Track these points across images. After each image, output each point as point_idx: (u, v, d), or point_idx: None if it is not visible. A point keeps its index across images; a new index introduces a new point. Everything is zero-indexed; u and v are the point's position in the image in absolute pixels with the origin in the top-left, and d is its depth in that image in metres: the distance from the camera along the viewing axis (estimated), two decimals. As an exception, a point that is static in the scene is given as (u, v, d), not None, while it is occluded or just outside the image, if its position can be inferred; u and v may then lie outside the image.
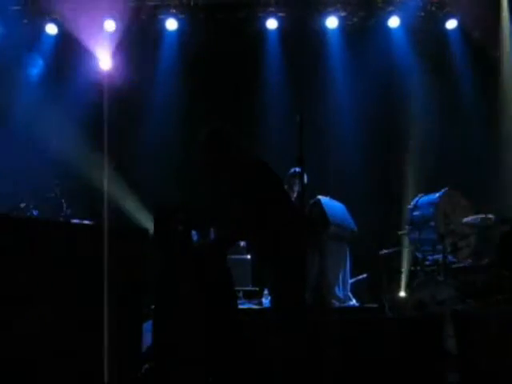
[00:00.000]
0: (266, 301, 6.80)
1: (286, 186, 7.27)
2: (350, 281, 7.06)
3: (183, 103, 9.15)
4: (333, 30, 9.26)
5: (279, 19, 9.20)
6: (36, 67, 9.34)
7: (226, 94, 9.09)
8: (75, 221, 6.04)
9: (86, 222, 5.68)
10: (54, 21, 9.32)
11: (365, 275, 7.37)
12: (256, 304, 6.87)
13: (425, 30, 9.18)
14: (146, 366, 4.20)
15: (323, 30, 9.29)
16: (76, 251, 4.07)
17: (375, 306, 6.58)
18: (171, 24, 9.26)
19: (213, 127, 4.28)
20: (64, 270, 3.98)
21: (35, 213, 6.73)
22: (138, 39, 9.30)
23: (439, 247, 6.69)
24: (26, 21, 9.28)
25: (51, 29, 9.34)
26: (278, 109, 8.89)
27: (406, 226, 7.28)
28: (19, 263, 3.86)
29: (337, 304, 6.66)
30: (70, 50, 9.24)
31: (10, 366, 3.72)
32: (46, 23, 9.32)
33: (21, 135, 8.87)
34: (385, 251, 7.31)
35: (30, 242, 3.94)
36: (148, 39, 9.40)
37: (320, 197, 6.82)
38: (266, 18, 9.21)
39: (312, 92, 8.96)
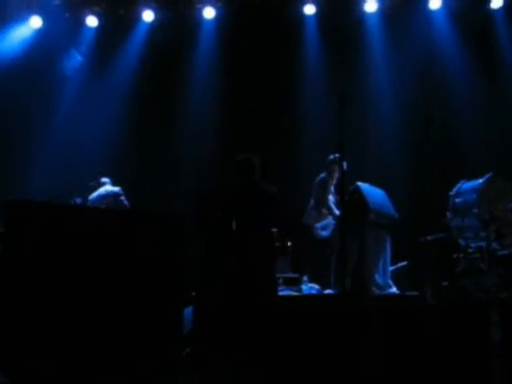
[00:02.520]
0: (305, 287, 6.80)
1: (325, 173, 7.27)
2: (391, 268, 6.99)
3: (221, 91, 9.19)
4: (372, 14, 9.12)
5: (317, 4, 9.12)
6: (75, 62, 9.51)
7: (265, 81, 9.08)
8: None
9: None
10: (95, 13, 9.45)
11: (405, 263, 7.28)
12: (296, 291, 6.87)
13: (467, 10, 8.92)
14: (187, 350, 4.25)
15: (362, 14, 9.15)
16: (118, 237, 4.15)
17: (416, 293, 6.49)
18: (208, 13, 9.29)
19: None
20: (109, 255, 4.07)
21: (78, 200, 6.85)
22: (177, 28, 9.36)
23: (483, 234, 6.54)
24: (67, 14, 9.45)
25: (92, 21, 9.48)
26: (318, 95, 8.84)
27: (448, 213, 7.14)
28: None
29: (377, 291, 6.59)
30: (110, 41, 9.40)
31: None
32: (86, 16, 9.47)
33: (63, 126, 9.08)
34: (426, 238, 7.19)
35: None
36: (186, 28, 9.44)
37: (360, 183, 6.76)
38: (303, 4, 9.14)
39: (351, 78, 8.86)
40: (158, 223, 4.39)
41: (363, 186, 6.76)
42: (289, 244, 7.39)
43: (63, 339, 3.92)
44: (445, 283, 6.70)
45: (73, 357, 3.89)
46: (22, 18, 9.40)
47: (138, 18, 9.41)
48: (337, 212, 7.04)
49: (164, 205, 8.28)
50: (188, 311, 4.36)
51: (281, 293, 6.18)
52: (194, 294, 4.46)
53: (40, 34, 9.48)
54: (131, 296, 4.09)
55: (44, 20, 9.43)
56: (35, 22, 9.42)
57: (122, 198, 7.18)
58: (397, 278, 7.02)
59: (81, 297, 4.00)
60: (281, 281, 6.78)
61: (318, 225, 7.18)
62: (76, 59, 9.55)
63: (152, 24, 9.41)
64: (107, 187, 7.25)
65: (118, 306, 4.06)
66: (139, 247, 4.11)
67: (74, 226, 4.12)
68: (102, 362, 3.91)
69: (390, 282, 6.86)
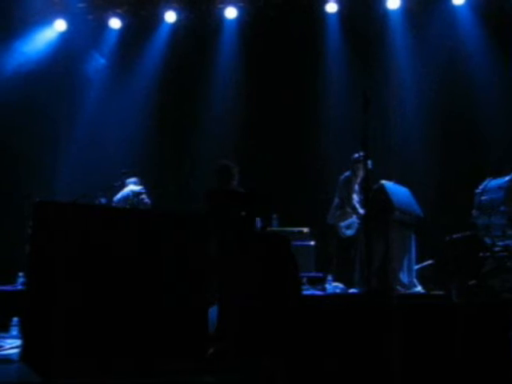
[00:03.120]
0: (329, 287, 6.78)
1: (349, 172, 7.24)
2: (416, 267, 6.94)
3: (244, 91, 9.21)
4: (394, 11, 9.06)
5: (339, 2, 9.09)
6: (98, 64, 9.61)
7: (287, 80, 9.07)
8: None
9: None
10: (117, 15, 9.54)
11: (431, 261, 7.21)
12: (320, 290, 6.86)
13: (492, 5, 8.80)
14: (211, 349, 4.27)
15: (384, 11, 9.09)
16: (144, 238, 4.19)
17: (442, 293, 6.43)
18: (230, 12, 9.31)
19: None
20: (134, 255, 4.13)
21: (103, 200, 6.92)
22: (199, 29, 9.40)
23: (510, 232, 6.46)
24: (90, 17, 9.55)
25: (114, 23, 9.57)
26: (340, 93, 8.81)
27: (474, 211, 7.06)
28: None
29: (402, 290, 6.55)
30: (132, 43, 9.48)
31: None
32: (109, 18, 9.56)
33: (87, 127, 9.19)
34: (452, 237, 7.12)
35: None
36: (208, 28, 9.48)
37: (384, 181, 6.71)
38: (325, 2, 9.11)
39: (374, 76, 8.81)
40: (182, 223, 4.42)
41: (387, 184, 6.72)
42: None
43: (91, 338, 3.97)
44: (471, 282, 6.62)
45: (100, 356, 3.93)
46: (46, 21, 9.53)
47: (160, 18, 9.48)
48: (361, 211, 7.02)
49: (187, 204, 8.32)
50: (213, 311, 4.39)
51: (305, 292, 6.17)
52: (218, 293, 4.49)
53: (64, 36, 9.59)
54: (157, 296, 4.13)
55: (68, 23, 9.55)
56: (60, 25, 9.54)
57: (144, 196, 7.25)
58: (422, 277, 6.96)
59: (106, 296, 4.04)
60: (305, 280, 6.78)
61: (343, 224, 7.16)
62: (99, 61, 9.65)
63: (174, 25, 9.46)
64: (131, 187, 7.32)
65: (144, 305, 4.09)
66: (164, 247, 4.15)
67: (98, 225, 4.17)
68: (130, 361, 3.94)
69: (415, 281, 6.81)
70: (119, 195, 7.28)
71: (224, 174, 6.00)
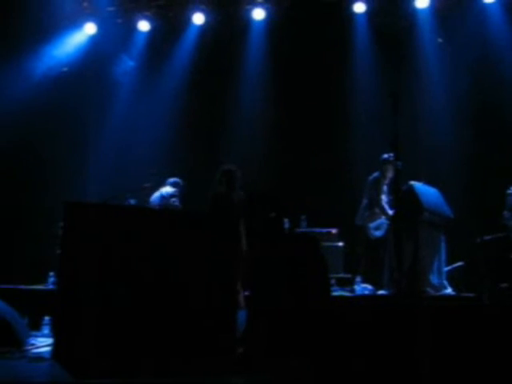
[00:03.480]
0: (358, 288, 6.74)
1: (378, 172, 7.19)
2: (446, 269, 6.86)
3: (272, 92, 9.21)
4: (423, 10, 8.96)
5: (367, 2, 9.03)
6: (127, 66, 9.71)
7: (316, 80, 9.04)
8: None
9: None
10: (146, 17, 9.63)
11: (461, 263, 7.12)
12: (349, 291, 6.83)
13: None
14: (240, 350, 4.27)
15: (413, 9, 9.00)
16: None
17: (472, 295, 6.34)
18: (258, 14, 9.32)
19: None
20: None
21: (132, 201, 6.98)
22: (227, 30, 9.43)
23: (542, 234, 6.35)
24: (119, 20, 9.65)
25: (143, 26, 9.66)
26: (369, 93, 8.75)
27: (506, 212, 6.95)
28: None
29: (432, 292, 6.48)
30: (161, 45, 9.55)
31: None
32: (137, 21, 9.65)
33: (117, 129, 9.29)
34: (483, 238, 7.01)
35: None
36: (236, 30, 9.51)
37: (413, 182, 6.65)
38: (353, 2, 9.07)
39: (403, 75, 8.73)
40: (212, 224, 4.44)
41: (417, 185, 6.66)
42: None
43: (121, 338, 4.01)
44: (502, 285, 6.52)
45: (128, 356, 3.97)
46: (76, 24, 9.66)
47: (188, 20, 9.53)
48: (390, 212, 6.96)
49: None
50: (242, 312, 4.39)
51: (334, 293, 6.15)
52: (247, 294, 4.50)
53: (93, 40, 9.71)
54: (186, 296, 4.15)
55: (98, 26, 9.66)
56: (89, 28, 9.66)
57: (175, 199, 7.30)
58: (452, 278, 6.88)
59: (136, 296, 4.07)
60: (333, 281, 6.75)
61: (371, 225, 7.12)
62: (128, 64, 9.75)
63: (202, 27, 9.51)
64: (167, 188, 7.38)
65: (172, 306, 4.12)
66: (194, 248, 4.17)
67: (128, 226, 4.20)
68: (158, 361, 3.97)
69: (446, 282, 6.73)
70: (155, 197, 7.34)
71: (231, 178, 6.22)
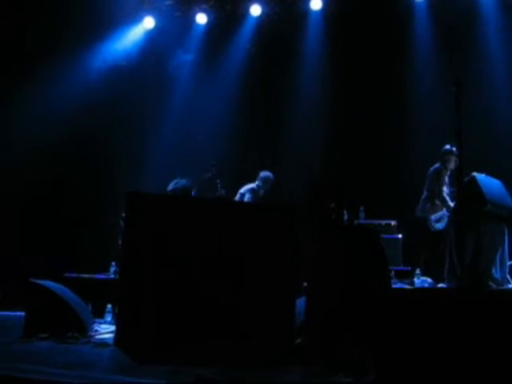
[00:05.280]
0: (418, 281, 6.64)
1: (439, 163, 7.05)
2: (509, 262, 6.67)
3: (330, 82, 9.13)
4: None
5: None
6: (185, 59, 9.82)
7: (375, 71, 8.90)
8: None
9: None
10: (203, 10, 9.71)
11: (526, 257, 6.91)
12: (408, 284, 6.73)
13: None
14: (299, 340, 4.27)
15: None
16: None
17: (537, 289, 6.15)
18: (315, 4, 9.25)
19: None
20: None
21: (192, 192, 7.06)
22: (284, 21, 9.41)
23: None
24: (177, 13, 9.77)
25: (201, 18, 9.74)
26: (430, 82, 8.56)
27: None
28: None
29: (494, 286, 6.32)
30: (219, 37, 9.62)
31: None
32: (195, 14, 9.74)
33: (176, 121, 9.42)
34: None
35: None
36: (293, 21, 9.47)
37: (476, 174, 6.48)
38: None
39: (465, 64, 8.49)
40: (271, 214, 4.46)
41: (479, 176, 6.49)
42: None
43: (180, 326, 4.08)
44: None
45: (187, 345, 4.03)
46: (136, 19, 9.84)
47: (245, 12, 9.56)
48: (451, 204, 6.83)
49: (275, 196, 8.39)
50: (300, 302, 4.39)
51: (393, 286, 6.07)
52: (305, 284, 4.49)
53: (152, 33, 9.87)
54: (244, 286, 4.18)
55: (156, 20, 9.81)
56: (148, 22, 9.82)
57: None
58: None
59: (195, 286, 4.13)
60: (393, 274, 6.67)
61: (433, 217, 6.99)
62: (186, 57, 9.86)
63: (259, 18, 9.51)
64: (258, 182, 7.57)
65: (231, 296, 4.15)
66: (253, 238, 4.20)
67: (188, 217, 4.26)
68: (216, 350, 4.01)
69: (509, 277, 6.56)
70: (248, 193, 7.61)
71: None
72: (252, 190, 7.76)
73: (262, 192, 7.83)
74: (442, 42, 8.82)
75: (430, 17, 9.00)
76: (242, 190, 7.77)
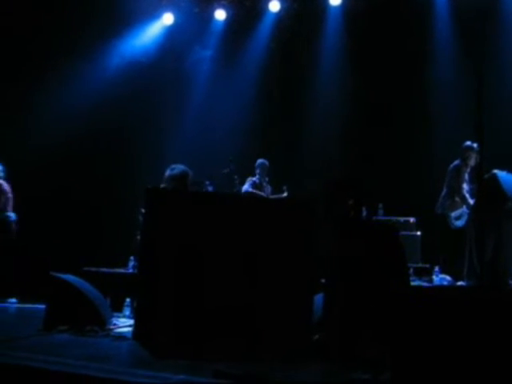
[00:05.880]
0: (436, 278, 6.59)
1: (459, 160, 6.98)
2: (530, 261, 6.58)
3: (349, 78, 9.08)
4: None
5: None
6: (204, 55, 9.84)
7: (395, 66, 8.82)
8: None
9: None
10: (222, 6, 9.71)
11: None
12: (427, 281, 6.69)
13: None
14: (316, 336, 4.26)
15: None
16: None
17: (558, 288, 6.06)
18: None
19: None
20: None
21: (210, 188, 7.09)
22: (303, 17, 9.38)
23: None
24: (196, 9, 9.79)
25: (220, 14, 9.75)
26: (450, 76, 8.46)
27: None
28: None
29: (514, 284, 6.25)
30: (237, 33, 9.62)
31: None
32: (214, 10, 9.75)
33: (195, 116, 9.45)
34: None
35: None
36: (312, 16, 9.43)
37: (496, 171, 6.41)
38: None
39: (487, 58, 8.36)
40: (290, 209, 4.45)
41: (500, 173, 6.42)
42: None
43: (198, 322, 4.09)
44: None
45: (206, 340, 4.04)
46: (155, 15, 9.88)
47: (264, 8, 9.54)
48: (471, 201, 6.75)
49: (294, 192, 8.39)
50: (318, 298, 4.38)
51: (411, 283, 6.03)
52: (323, 281, 4.48)
53: (171, 29, 9.90)
54: (262, 281, 4.18)
55: (175, 16, 9.84)
56: (167, 18, 9.85)
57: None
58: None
59: (213, 281, 4.13)
60: (411, 271, 6.63)
61: (453, 214, 6.91)
62: (205, 53, 9.89)
63: (278, 14, 9.49)
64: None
65: (249, 291, 4.15)
66: (271, 233, 4.19)
67: (205, 212, 4.27)
68: (234, 345, 4.02)
69: (529, 275, 6.47)
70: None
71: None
72: (251, 182, 8.12)
73: (262, 181, 8.21)
74: (463, 36, 8.71)
75: (450, 10, 8.89)
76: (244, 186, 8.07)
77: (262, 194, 8.06)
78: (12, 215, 7.41)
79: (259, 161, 8.31)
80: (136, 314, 4.89)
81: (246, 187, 8.05)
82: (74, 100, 8.76)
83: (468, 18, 8.67)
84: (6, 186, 7.49)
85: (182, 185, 5.46)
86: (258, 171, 8.27)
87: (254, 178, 8.25)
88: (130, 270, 7.28)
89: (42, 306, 5.24)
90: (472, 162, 6.85)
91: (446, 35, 8.87)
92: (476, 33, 8.55)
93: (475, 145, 6.75)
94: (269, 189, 8.33)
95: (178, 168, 5.62)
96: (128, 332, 4.81)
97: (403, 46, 8.85)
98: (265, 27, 9.59)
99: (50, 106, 8.72)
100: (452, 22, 8.87)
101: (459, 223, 6.84)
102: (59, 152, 8.72)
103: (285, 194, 8.12)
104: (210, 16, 9.81)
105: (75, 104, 8.72)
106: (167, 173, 5.62)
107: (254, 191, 8.00)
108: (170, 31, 9.91)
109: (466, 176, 6.98)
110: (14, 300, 6.98)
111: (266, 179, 8.34)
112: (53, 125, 8.56)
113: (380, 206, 7.85)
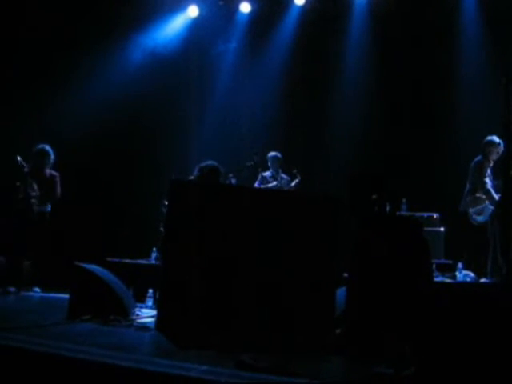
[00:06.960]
0: (459, 275, 6.55)
1: (481, 156, 6.89)
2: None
3: (374, 72, 9.02)
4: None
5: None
6: (229, 48, 9.84)
7: (420, 62, 8.73)
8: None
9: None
10: (248, -1, 9.71)
11: None
12: (450, 278, 6.64)
13: None
14: (339, 330, 4.26)
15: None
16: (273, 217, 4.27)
17: None
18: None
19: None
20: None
21: (233, 181, 7.11)
22: (328, 11, 9.33)
23: None
24: (221, 2, 9.79)
25: (245, 7, 9.74)
26: (477, 72, 8.34)
27: None
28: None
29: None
30: (262, 26, 9.60)
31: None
32: (240, 2, 9.74)
33: (219, 109, 9.47)
34: None
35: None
36: (338, 10, 9.37)
37: (522, 167, 6.31)
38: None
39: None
40: (314, 203, 4.45)
41: (526, 169, 6.31)
42: None
43: (221, 312, 4.12)
44: None
45: (228, 331, 4.07)
46: (180, 8, 9.90)
47: (289, 1, 9.50)
48: (496, 196, 6.65)
49: (316, 185, 8.38)
50: (341, 292, 4.38)
51: (435, 279, 6.00)
52: (346, 275, 4.47)
53: (196, 22, 9.92)
54: (287, 274, 4.19)
55: (200, 9, 9.86)
56: (192, 11, 9.88)
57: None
58: None
59: (237, 273, 4.15)
60: (434, 267, 6.58)
61: (472, 210, 6.82)
62: (229, 45, 9.89)
63: (303, 7, 9.45)
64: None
65: (272, 285, 4.17)
66: (295, 226, 4.20)
67: (228, 204, 4.29)
68: (258, 337, 4.04)
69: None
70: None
71: None
72: (260, 177, 8.20)
73: (274, 174, 8.24)
74: (491, 32, 8.58)
75: (478, 6, 8.76)
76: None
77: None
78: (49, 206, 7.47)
79: (270, 154, 8.30)
80: (159, 305, 4.93)
81: (256, 184, 8.10)
82: (101, 92, 8.83)
83: (497, 13, 8.56)
84: None
85: (210, 179, 5.50)
86: (269, 164, 8.28)
87: (265, 173, 8.25)
88: (153, 261, 7.35)
89: (66, 296, 5.31)
90: (494, 156, 6.75)
91: (474, 30, 8.74)
92: (504, 30, 8.45)
93: (497, 139, 6.67)
94: (284, 179, 8.30)
95: (208, 163, 5.68)
96: (151, 322, 4.86)
97: (430, 41, 8.74)
98: (290, 20, 9.55)
99: (82, 96, 8.80)
100: (480, 16, 8.73)
101: (480, 219, 6.74)
102: (84, 144, 8.81)
103: (297, 180, 8.12)
104: (235, 8, 9.80)
105: (106, 96, 8.77)
106: (196, 171, 5.71)
107: (262, 187, 7.98)
108: (195, 24, 9.92)
109: (489, 171, 6.89)
110: (37, 289, 7.08)
111: (280, 171, 8.31)
112: (78, 118, 8.65)
113: (403, 201, 7.80)
